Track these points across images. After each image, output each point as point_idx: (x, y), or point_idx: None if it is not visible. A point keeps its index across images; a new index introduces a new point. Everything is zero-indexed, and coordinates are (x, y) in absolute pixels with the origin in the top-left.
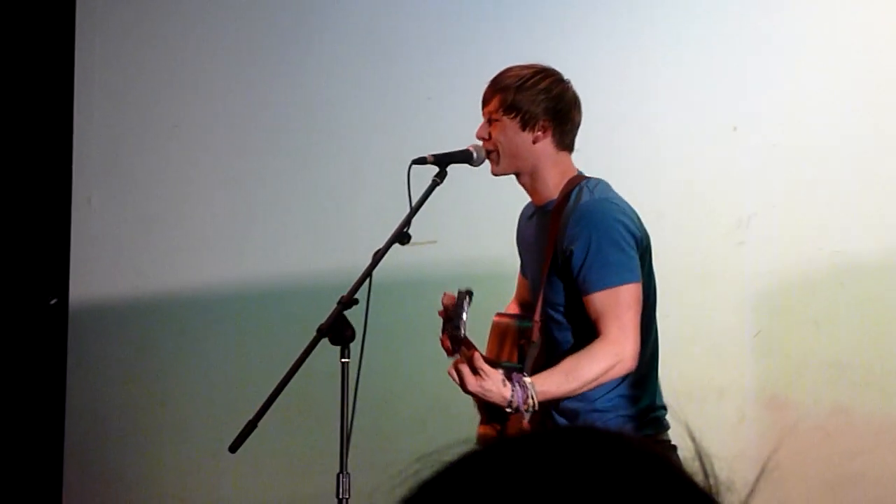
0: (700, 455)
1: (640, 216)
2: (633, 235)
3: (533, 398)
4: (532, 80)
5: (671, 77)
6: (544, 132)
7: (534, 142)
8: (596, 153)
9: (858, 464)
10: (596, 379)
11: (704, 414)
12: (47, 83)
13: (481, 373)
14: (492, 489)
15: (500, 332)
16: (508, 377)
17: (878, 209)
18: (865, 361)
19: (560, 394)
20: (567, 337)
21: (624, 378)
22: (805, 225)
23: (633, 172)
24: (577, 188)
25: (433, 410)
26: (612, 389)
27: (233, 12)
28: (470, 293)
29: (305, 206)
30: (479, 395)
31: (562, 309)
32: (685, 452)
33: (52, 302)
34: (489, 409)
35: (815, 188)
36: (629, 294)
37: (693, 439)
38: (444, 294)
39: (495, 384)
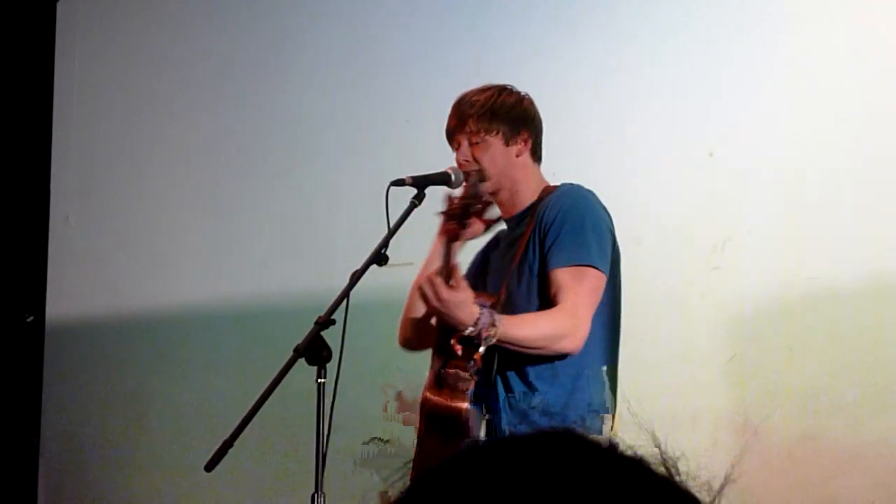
0: (665, 460)
1: (616, 241)
2: (611, 232)
3: (496, 327)
4: (501, 98)
5: (647, 102)
6: (525, 143)
7: (517, 155)
8: (571, 178)
9: (830, 490)
10: (547, 338)
11: (678, 439)
12: (26, 103)
13: (455, 282)
14: (475, 495)
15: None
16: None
17: (853, 235)
18: (839, 387)
19: (517, 336)
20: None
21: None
22: (780, 250)
23: (608, 198)
24: (555, 189)
25: (408, 431)
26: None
27: (211, 35)
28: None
29: (283, 226)
30: (449, 307)
31: (520, 302)
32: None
33: (29, 319)
34: (442, 349)
35: (790, 214)
36: (595, 279)
37: (658, 446)
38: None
39: (468, 298)
